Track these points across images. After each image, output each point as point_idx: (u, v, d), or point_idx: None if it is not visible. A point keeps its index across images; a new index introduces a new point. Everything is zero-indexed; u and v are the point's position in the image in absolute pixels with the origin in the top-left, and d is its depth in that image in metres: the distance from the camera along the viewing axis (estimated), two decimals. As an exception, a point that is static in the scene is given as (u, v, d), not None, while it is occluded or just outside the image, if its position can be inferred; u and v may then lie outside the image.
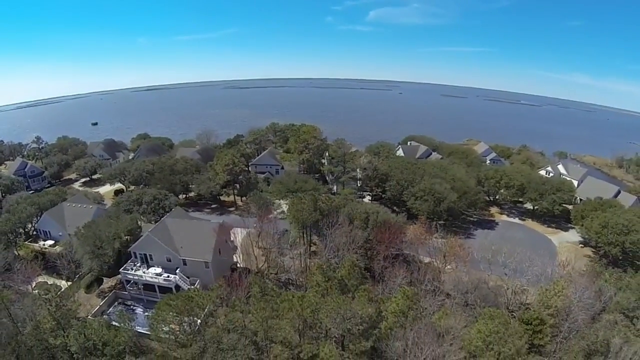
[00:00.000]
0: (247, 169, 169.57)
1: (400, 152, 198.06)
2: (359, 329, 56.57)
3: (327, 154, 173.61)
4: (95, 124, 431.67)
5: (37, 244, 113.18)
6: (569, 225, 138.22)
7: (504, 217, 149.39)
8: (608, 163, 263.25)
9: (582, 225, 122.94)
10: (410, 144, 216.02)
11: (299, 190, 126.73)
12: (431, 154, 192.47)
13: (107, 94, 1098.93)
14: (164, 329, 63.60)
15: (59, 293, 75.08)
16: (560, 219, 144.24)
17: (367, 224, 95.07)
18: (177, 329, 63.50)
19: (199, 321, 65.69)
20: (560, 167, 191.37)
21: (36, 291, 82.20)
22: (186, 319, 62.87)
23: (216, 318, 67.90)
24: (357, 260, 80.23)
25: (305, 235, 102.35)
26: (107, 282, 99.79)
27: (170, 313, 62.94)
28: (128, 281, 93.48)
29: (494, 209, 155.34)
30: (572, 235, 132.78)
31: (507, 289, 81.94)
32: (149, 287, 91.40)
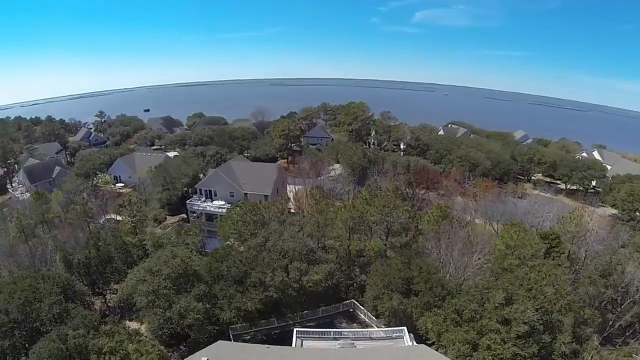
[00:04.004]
0: (300, 138, 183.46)
1: (441, 133, 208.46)
2: (398, 225, 69.21)
3: (373, 132, 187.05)
4: (147, 110, 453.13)
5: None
6: (600, 204, 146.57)
7: (536, 192, 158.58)
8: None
9: (610, 195, 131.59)
10: (451, 126, 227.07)
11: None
12: (470, 135, 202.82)
13: (153, 88, 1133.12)
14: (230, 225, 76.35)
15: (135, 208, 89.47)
16: (592, 198, 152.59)
17: (408, 170, 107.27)
18: (242, 229, 75.75)
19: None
20: (595, 154, 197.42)
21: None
22: (250, 216, 75.48)
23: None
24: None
25: (353, 181, 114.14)
26: (170, 220, 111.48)
27: (237, 209, 76.25)
28: (193, 212, 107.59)
29: (526, 185, 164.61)
30: (602, 212, 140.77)
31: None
32: (210, 218, 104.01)
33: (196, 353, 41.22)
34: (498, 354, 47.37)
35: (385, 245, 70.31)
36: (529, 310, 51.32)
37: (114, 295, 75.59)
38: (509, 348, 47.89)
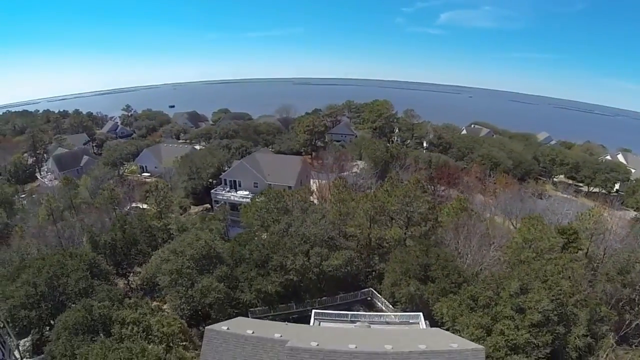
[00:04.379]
0: (324, 134, 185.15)
1: (464, 132, 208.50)
2: (418, 215, 70.37)
3: (396, 129, 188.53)
4: (173, 106, 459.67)
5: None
6: (623, 207, 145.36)
7: (558, 194, 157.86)
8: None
9: (633, 197, 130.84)
10: (474, 126, 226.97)
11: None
12: (493, 135, 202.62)
13: (178, 86, 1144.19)
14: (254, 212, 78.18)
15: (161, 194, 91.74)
16: (614, 200, 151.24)
17: (430, 165, 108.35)
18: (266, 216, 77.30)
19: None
20: (620, 157, 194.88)
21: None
22: (274, 203, 77.05)
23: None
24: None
25: (376, 175, 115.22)
26: (194, 209, 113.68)
27: (261, 197, 78.22)
28: (217, 202, 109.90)
29: (548, 186, 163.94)
30: (623, 214, 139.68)
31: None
32: (234, 207, 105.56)
33: (217, 323, 42.80)
34: (511, 339, 48.09)
35: (405, 234, 71.45)
36: (544, 300, 51.87)
37: (137, 278, 77.95)
38: (522, 335, 48.58)
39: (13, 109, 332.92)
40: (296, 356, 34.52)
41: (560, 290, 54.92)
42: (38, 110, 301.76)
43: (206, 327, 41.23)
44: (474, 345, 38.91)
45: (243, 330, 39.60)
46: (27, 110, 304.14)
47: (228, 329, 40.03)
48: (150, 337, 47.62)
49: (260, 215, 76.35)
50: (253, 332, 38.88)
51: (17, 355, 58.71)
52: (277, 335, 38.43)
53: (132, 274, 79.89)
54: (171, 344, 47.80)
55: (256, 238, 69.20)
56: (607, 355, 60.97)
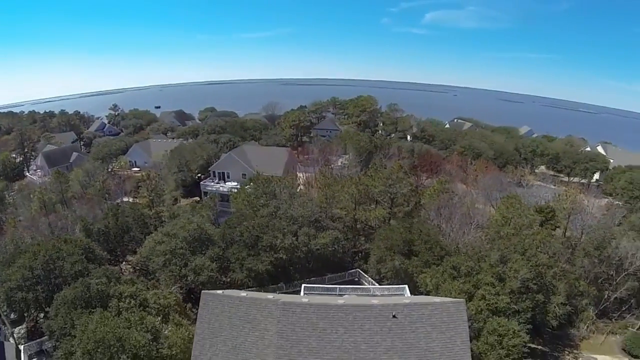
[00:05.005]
0: (310, 130, 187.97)
1: (447, 127, 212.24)
2: (401, 196, 73.24)
3: (380, 124, 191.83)
4: (159, 107, 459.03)
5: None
6: (603, 196, 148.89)
7: (538, 182, 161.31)
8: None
9: (611, 184, 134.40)
10: (457, 121, 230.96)
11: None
12: (476, 130, 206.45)
13: (164, 87, 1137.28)
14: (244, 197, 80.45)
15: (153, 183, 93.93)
16: (594, 189, 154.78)
17: (413, 154, 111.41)
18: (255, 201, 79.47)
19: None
20: (600, 149, 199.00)
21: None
22: (262, 188, 79.30)
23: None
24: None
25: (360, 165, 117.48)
26: (184, 202, 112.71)
27: (251, 183, 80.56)
28: (206, 193, 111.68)
29: (530, 177, 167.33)
30: (602, 202, 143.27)
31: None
32: (223, 198, 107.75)
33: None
34: (492, 303, 50.92)
35: (389, 214, 74.26)
36: (522, 269, 54.75)
37: (129, 266, 79.71)
38: (502, 299, 51.42)
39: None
40: (289, 310, 36.99)
41: (538, 261, 57.79)
42: (23, 112, 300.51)
43: (202, 291, 43.46)
44: (455, 299, 41.77)
45: (237, 294, 42.09)
46: (12, 112, 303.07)
47: (223, 293, 42.46)
48: (147, 309, 49.52)
49: (249, 201, 78.60)
50: (247, 295, 41.33)
51: (13, 342, 59.99)
52: (269, 296, 41.03)
53: (125, 262, 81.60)
54: (168, 316, 49.79)
55: (246, 222, 71.41)
56: (587, 327, 64.22)
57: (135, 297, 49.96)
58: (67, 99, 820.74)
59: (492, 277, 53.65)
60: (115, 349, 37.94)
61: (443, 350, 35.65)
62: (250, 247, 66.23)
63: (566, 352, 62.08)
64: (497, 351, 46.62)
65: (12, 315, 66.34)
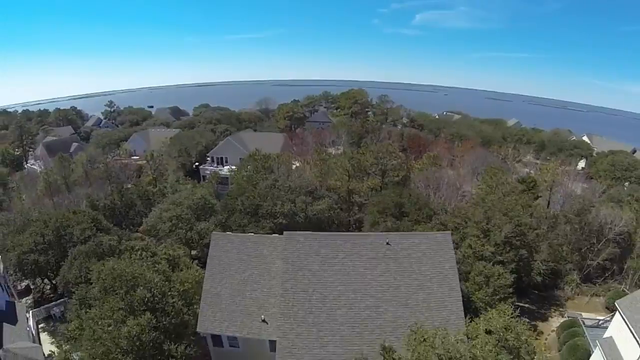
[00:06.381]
0: (303, 122, 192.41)
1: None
2: (392, 167, 77.79)
3: (371, 114, 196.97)
4: (151, 107, 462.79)
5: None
6: (588, 180, 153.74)
7: (525, 169, 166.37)
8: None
9: (594, 166, 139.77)
10: (446, 113, 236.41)
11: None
12: (465, 120, 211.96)
13: (156, 89, 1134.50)
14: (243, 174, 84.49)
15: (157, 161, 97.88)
16: (580, 175, 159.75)
17: (402, 137, 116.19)
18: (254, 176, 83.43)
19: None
20: (585, 138, 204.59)
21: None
22: (261, 163, 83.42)
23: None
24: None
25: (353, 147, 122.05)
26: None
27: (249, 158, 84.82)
28: (204, 177, 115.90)
29: (518, 165, 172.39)
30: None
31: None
32: (222, 182, 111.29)
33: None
34: (478, 251, 55.23)
35: (381, 183, 78.81)
36: (506, 225, 59.07)
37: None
38: (487, 249, 55.75)
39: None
40: (293, 239, 41.41)
41: (520, 220, 61.99)
42: (17, 111, 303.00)
43: (212, 232, 47.65)
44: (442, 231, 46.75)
45: (246, 235, 46.52)
46: (6, 111, 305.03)
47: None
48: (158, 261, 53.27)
49: (248, 176, 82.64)
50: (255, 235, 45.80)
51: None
52: (276, 235, 45.60)
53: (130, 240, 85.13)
54: (178, 265, 53.52)
55: (246, 193, 75.41)
56: (572, 289, 68.47)
57: (146, 249, 53.55)
58: (57, 101, 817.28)
59: (477, 230, 58.01)
60: (132, 283, 41.18)
61: (433, 272, 40.06)
62: (251, 215, 70.21)
63: (552, 309, 65.65)
64: (484, 290, 50.76)
65: (19, 286, 69.02)
